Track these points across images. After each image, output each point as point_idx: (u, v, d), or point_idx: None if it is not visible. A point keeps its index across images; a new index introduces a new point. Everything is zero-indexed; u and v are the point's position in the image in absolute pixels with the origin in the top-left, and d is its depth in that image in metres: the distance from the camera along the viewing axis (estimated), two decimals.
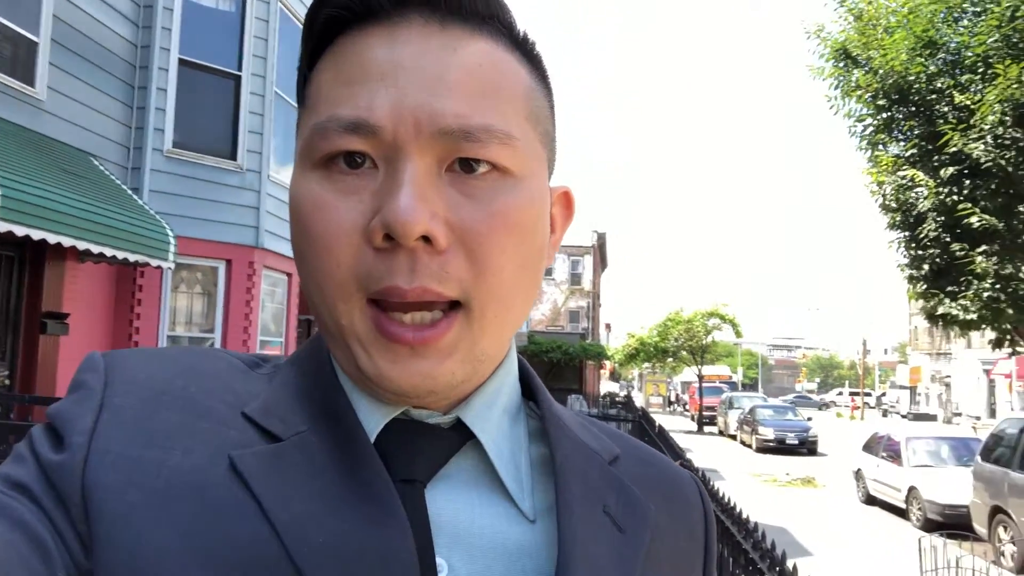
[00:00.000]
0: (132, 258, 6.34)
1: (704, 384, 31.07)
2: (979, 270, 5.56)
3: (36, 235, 5.27)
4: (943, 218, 5.71)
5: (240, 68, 8.20)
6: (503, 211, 0.48)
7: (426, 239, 0.46)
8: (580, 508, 0.53)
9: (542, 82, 0.55)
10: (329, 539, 0.45)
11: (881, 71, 5.75)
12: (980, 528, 9.45)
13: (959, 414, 41.22)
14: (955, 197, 5.58)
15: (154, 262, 6.66)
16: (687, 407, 38.20)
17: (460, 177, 0.48)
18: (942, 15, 5.59)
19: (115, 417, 0.48)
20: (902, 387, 55.88)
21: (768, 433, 22.12)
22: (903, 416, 46.26)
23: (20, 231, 5.10)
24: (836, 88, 6.26)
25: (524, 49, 0.53)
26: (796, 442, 21.81)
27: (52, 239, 5.42)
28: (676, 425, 28.46)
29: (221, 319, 8.16)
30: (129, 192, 7.05)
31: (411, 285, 0.46)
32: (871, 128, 6.20)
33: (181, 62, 7.78)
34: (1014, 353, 6.57)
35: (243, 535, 0.45)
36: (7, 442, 5.22)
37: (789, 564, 2.75)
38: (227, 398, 0.52)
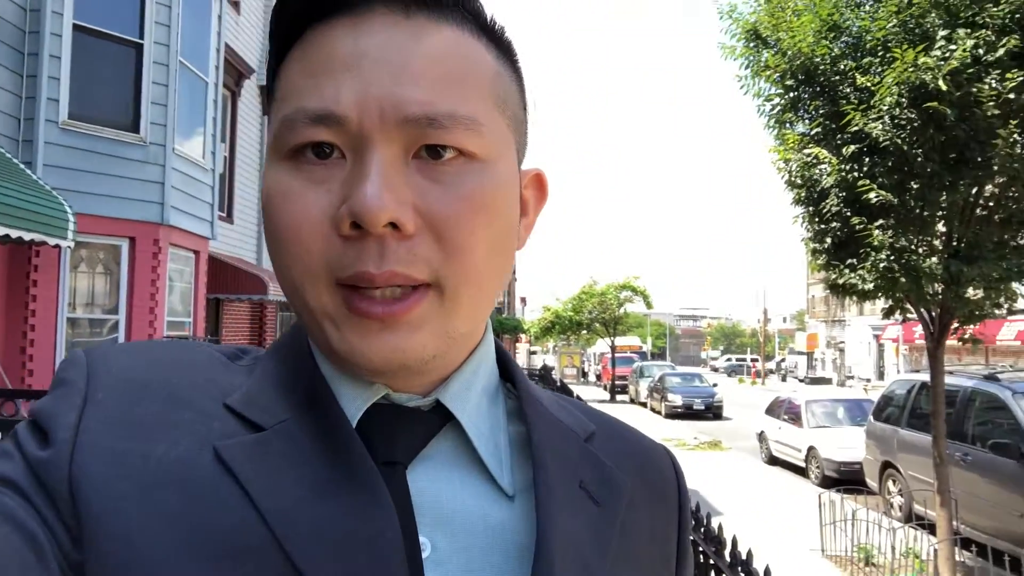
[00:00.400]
0: (27, 237, 5.96)
1: (616, 355, 31.85)
2: (876, 243, 5.89)
3: None
4: (844, 194, 6.01)
5: (142, 36, 7.75)
6: (470, 194, 0.49)
7: (394, 226, 0.47)
8: (557, 485, 0.55)
9: (511, 66, 0.56)
10: (316, 524, 0.46)
11: (789, 52, 5.99)
12: (872, 483, 10.14)
13: (852, 377, 43.78)
14: (855, 174, 5.88)
15: (52, 240, 6.28)
16: (599, 378, 39.12)
17: (427, 163, 0.49)
18: (846, 0, 5.88)
19: (99, 412, 0.49)
20: (800, 353, 58.89)
21: (676, 400, 22.96)
22: (800, 380, 48.80)
23: None
24: (746, 68, 6.49)
25: (491, 35, 0.54)
26: (703, 407, 22.74)
27: None
28: (590, 395, 29.11)
29: (125, 300, 7.80)
30: (21, 166, 6.60)
31: (380, 270, 0.47)
32: (778, 107, 6.46)
33: (76, 28, 7.28)
34: (905, 320, 7.03)
35: (231, 523, 0.45)
36: None
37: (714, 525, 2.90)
38: (210, 390, 0.53)
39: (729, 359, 61.94)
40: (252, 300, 11.89)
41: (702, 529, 2.96)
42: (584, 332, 32.68)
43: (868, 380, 39.18)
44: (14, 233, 5.79)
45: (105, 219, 7.49)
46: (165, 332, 8.27)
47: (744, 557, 2.57)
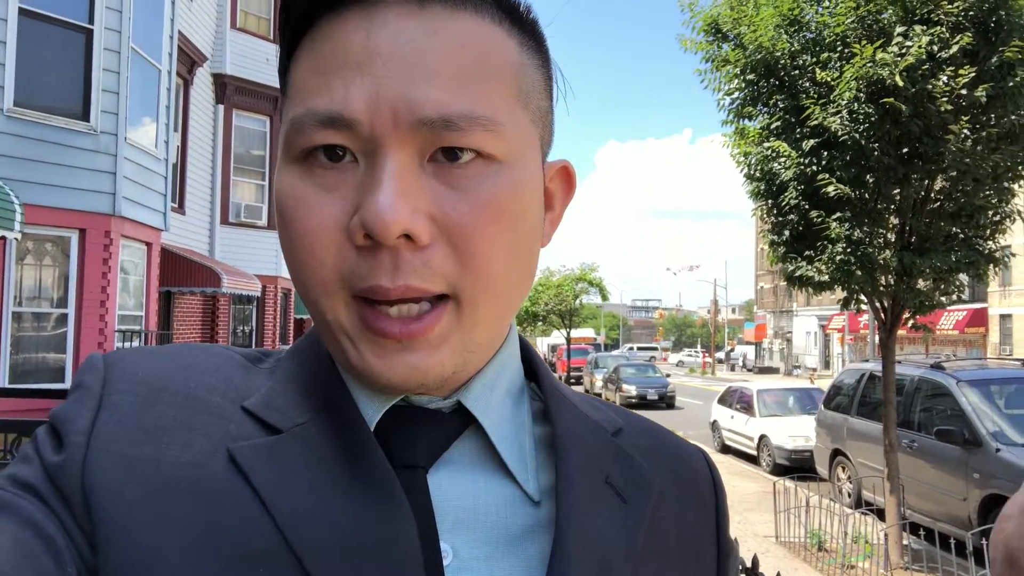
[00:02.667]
0: None
1: (571, 346, 32.08)
2: (833, 235, 6.04)
3: None
4: (803, 187, 6.15)
5: (91, 21, 7.50)
6: (489, 200, 0.47)
7: (409, 236, 0.45)
8: (580, 479, 0.53)
9: (537, 52, 0.53)
10: (329, 528, 0.45)
11: (750, 47, 6.08)
12: (822, 469, 10.41)
13: (798, 367, 44.95)
14: (814, 167, 6.02)
15: None
16: (555, 368, 39.44)
17: (443, 167, 0.46)
18: None
19: (113, 415, 0.48)
20: (748, 343, 60.10)
21: (631, 390, 23.30)
22: (749, 370, 49.85)
23: None
24: (707, 62, 6.57)
25: (515, 18, 0.51)
26: (656, 397, 23.14)
27: None
28: None
29: (75, 293, 7.58)
30: None
31: (394, 284, 0.45)
32: (738, 102, 6.56)
33: (22, 12, 7.01)
34: (859, 311, 7.23)
35: (243, 527, 0.45)
36: None
37: None
38: (227, 393, 0.52)
39: (680, 362, 63.77)
40: (205, 293, 11.63)
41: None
42: (540, 324, 32.82)
43: (814, 369, 40.24)
44: None
45: (54, 210, 7.25)
46: (116, 326, 8.04)
47: (749, 565, 2.61)
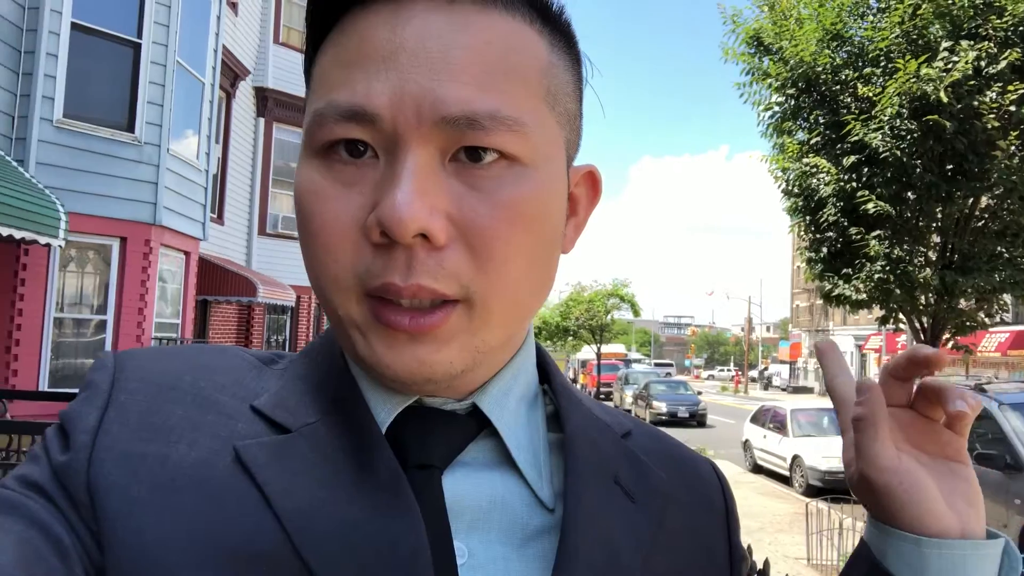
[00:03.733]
0: (18, 235, 5.88)
1: (601, 362, 31.90)
2: (872, 253, 5.94)
3: None
4: (842, 204, 6.07)
5: (140, 35, 7.68)
6: (509, 203, 0.46)
7: (425, 236, 0.44)
8: (589, 477, 0.53)
9: (566, 54, 0.51)
10: (334, 528, 0.45)
11: (791, 61, 6.03)
12: None
13: None
14: (854, 184, 5.94)
15: (43, 239, 6.19)
16: (585, 387, 39.23)
17: (465, 167, 0.45)
18: (849, 9, 5.92)
19: (120, 414, 0.48)
20: (783, 362, 59.23)
21: (662, 407, 23.01)
22: (783, 389, 49.06)
23: None
24: (747, 74, 6.52)
25: (547, 17, 0.50)
26: (687, 415, 22.82)
27: None
28: None
29: (114, 300, 7.71)
30: (14, 164, 6.51)
31: (406, 283, 0.44)
32: (778, 116, 6.50)
33: (74, 26, 7.21)
34: (897, 331, 7.09)
35: (247, 526, 0.44)
36: None
37: None
38: (237, 392, 0.51)
39: (711, 376, 63.49)
40: (240, 302, 11.78)
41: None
42: (571, 339, 32.71)
43: None
44: (5, 231, 5.70)
45: (97, 218, 7.40)
46: (153, 333, 8.17)
47: (761, 567, 2.57)
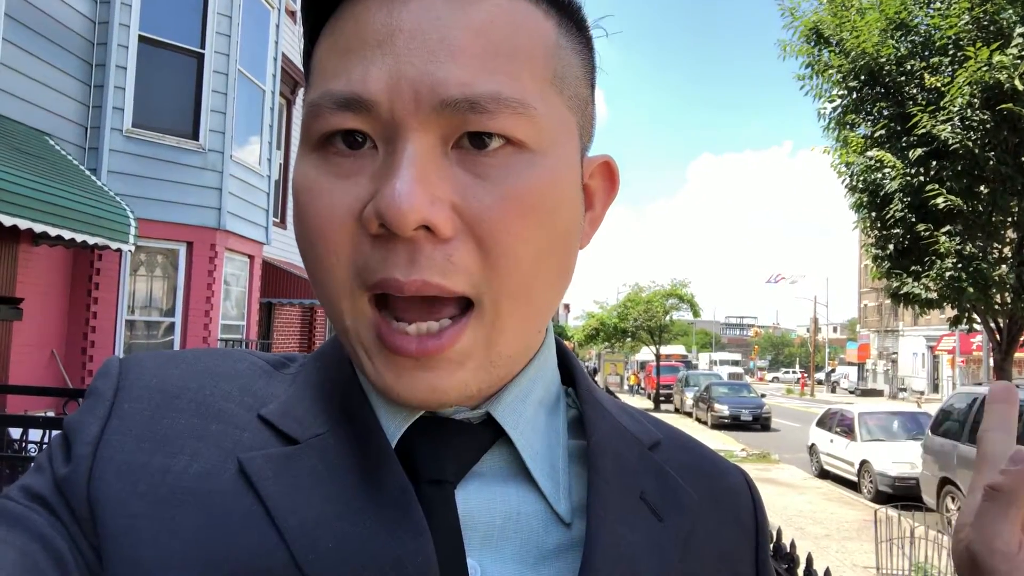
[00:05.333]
0: (91, 241, 6.14)
1: (661, 363, 31.55)
2: (942, 249, 5.72)
3: None
4: (909, 199, 5.85)
5: (203, 46, 7.93)
6: (518, 192, 0.43)
7: (429, 228, 0.41)
8: (613, 494, 0.50)
9: (576, 36, 0.48)
10: (339, 545, 0.43)
11: (852, 52, 5.84)
12: (929, 499, 9.78)
13: (904, 389, 42.67)
14: (922, 178, 5.72)
15: (114, 245, 6.45)
16: (642, 387, 38.80)
17: (469, 154, 0.43)
18: None
19: (123, 423, 0.46)
20: (850, 363, 57.58)
21: (723, 410, 22.59)
22: (851, 392, 47.65)
23: None
24: (807, 67, 6.34)
25: None
26: (750, 418, 22.33)
27: (7, 221, 5.20)
28: (633, 404, 28.86)
29: (182, 303, 7.97)
30: (87, 173, 6.80)
31: (408, 278, 0.41)
32: (840, 109, 6.31)
33: (141, 39, 7.50)
34: (971, 331, 6.80)
35: (249, 542, 0.42)
36: None
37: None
38: (245, 400, 0.49)
39: (776, 378, 61.07)
40: (303, 304, 12.04)
41: (771, 545, 2.88)
42: (629, 340, 32.41)
43: (922, 393, 38.16)
44: (79, 237, 5.96)
45: (165, 224, 7.66)
46: (219, 335, 8.42)
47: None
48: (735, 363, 58.89)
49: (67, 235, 5.83)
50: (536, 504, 0.49)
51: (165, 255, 7.97)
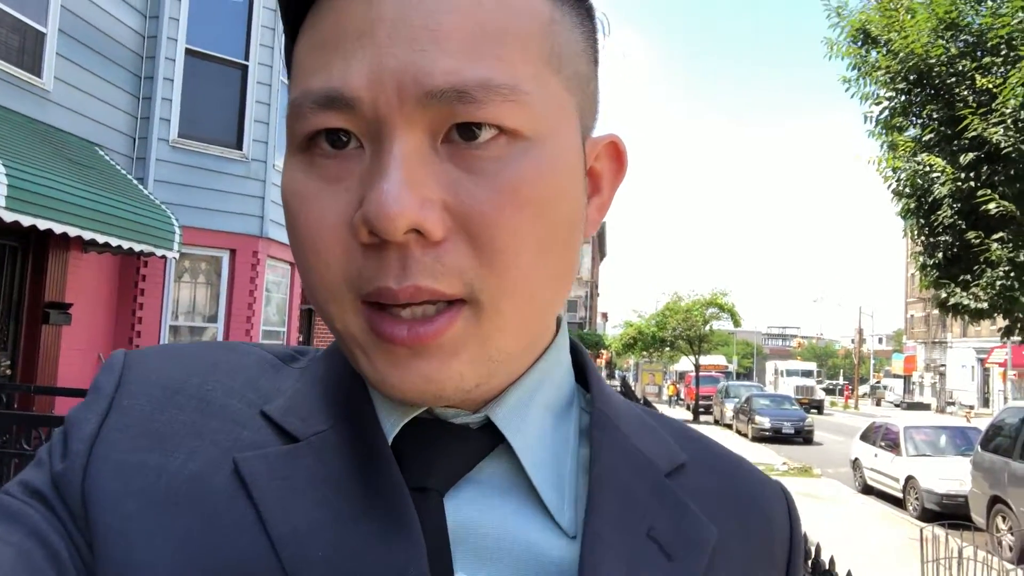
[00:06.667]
0: (137, 248, 6.31)
1: (700, 374, 31.18)
2: (994, 257, 5.54)
3: (42, 225, 5.21)
4: (959, 205, 5.69)
5: (247, 57, 8.13)
6: (513, 185, 0.40)
7: (419, 231, 0.39)
8: (615, 532, 0.45)
9: (573, 8, 0.45)
10: (330, 554, 0.41)
11: (901, 53, 5.69)
12: (978, 518, 9.45)
13: (952, 403, 41.56)
14: (972, 183, 5.55)
15: (159, 252, 6.63)
16: (682, 398, 38.30)
17: (460, 148, 0.40)
18: None
19: (121, 420, 0.45)
20: (896, 376, 56.28)
21: (764, 422, 22.20)
22: (896, 405, 46.53)
23: (26, 221, 5.05)
24: (853, 69, 6.20)
25: None
26: (792, 431, 21.89)
27: (58, 229, 5.36)
28: (672, 415, 28.58)
29: (224, 309, 8.11)
30: (134, 182, 6.99)
31: (401, 285, 0.39)
32: (887, 111, 6.15)
33: (188, 52, 7.72)
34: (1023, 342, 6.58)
35: (238, 548, 0.41)
36: (9, 432, 5.18)
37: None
38: (248, 396, 0.48)
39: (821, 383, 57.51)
40: None
41: (810, 561, 2.79)
42: (668, 349, 32.09)
43: (971, 407, 37.14)
44: (126, 244, 6.13)
45: (208, 231, 7.83)
46: (260, 341, 8.54)
47: None
48: (807, 374, 45.49)
49: (115, 242, 5.99)
50: (536, 516, 0.46)
51: (208, 262, 8.13)
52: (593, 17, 0.48)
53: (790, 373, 44.55)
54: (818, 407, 37.72)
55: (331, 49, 0.40)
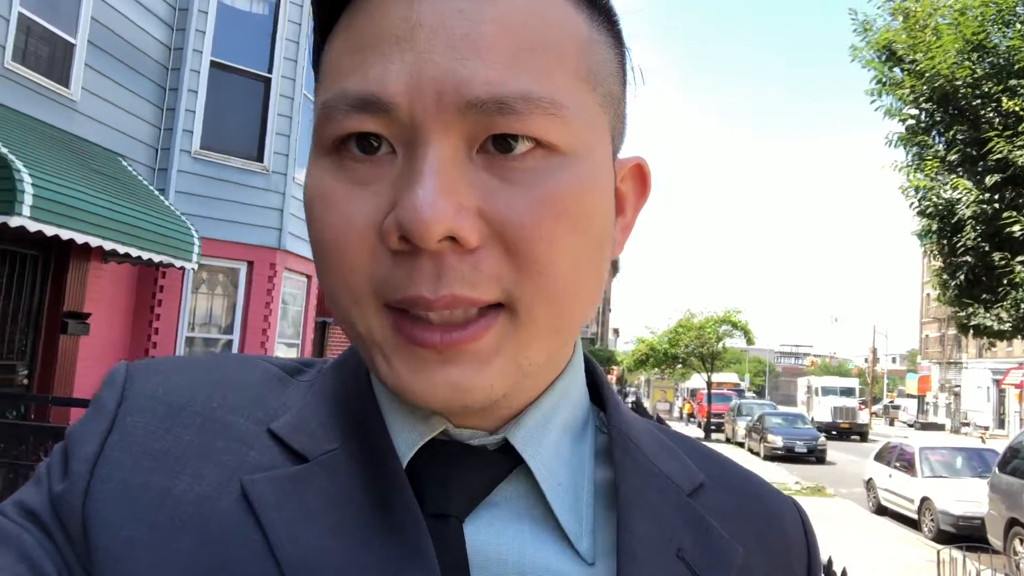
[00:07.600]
0: (157, 259, 6.34)
1: (712, 391, 30.98)
2: (1018, 279, 5.50)
3: (65, 235, 5.25)
4: (983, 226, 5.65)
5: (271, 70, 8.19)
6: (550, 196, 0.39)
7: (454, 238, 0.38)
8: (647, 554, 0.45)
9: (608, 29, 0.45)
10: None
11: (927, 73, 5.66)
12: (996, 540, 9.33)
13: (967, 424, 41.13)
14: (996, 205, 5.51)
15: (178, 263, 6.65)
16: (694, 416, 37.96)
17: (496, 159, 0.39)
18: (992, 18, 5.50)
19: (124, 439, 0.44)
20: (910, 396, 55.79)
21: (777, 441, 22.00)
22: (910, 425, 46.06)
23: (49, 231, 5.09)
24: (877, 83, 6.17)
25: None
26: (805, 450, 21.67)
27: (80, 239, 5.40)
28: (683, 432, 28.38)
29: (240, 321, 8.13)
30: (156, 193, 7.03)
31: (437, 294, 0.38)
32: (911, 129, 6.12)
33: (213, 64, 7.79)
34: None
35: (245, 574, 0.39)
36: (26, 443, 5.19)
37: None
38: (255, 413, 0.46)
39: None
40: None
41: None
42: (679, 366, 31.93)
43: (986, 428, 36.76)
44: (145, 255, 6.16)
45: (227, 243, 7.86)
46: (276, 353, 8.56)
47: None
48: (847, 392, 36.60)
49: (135, 253, 6.03)
50: (555, 542, 0.45)
51: (226, 273, 8.16)
52: (623, 42, 0.48)
53: (826, 391, 36.82)
54: (860, 434, 32.00)
55: (368, 51, 0.40)
